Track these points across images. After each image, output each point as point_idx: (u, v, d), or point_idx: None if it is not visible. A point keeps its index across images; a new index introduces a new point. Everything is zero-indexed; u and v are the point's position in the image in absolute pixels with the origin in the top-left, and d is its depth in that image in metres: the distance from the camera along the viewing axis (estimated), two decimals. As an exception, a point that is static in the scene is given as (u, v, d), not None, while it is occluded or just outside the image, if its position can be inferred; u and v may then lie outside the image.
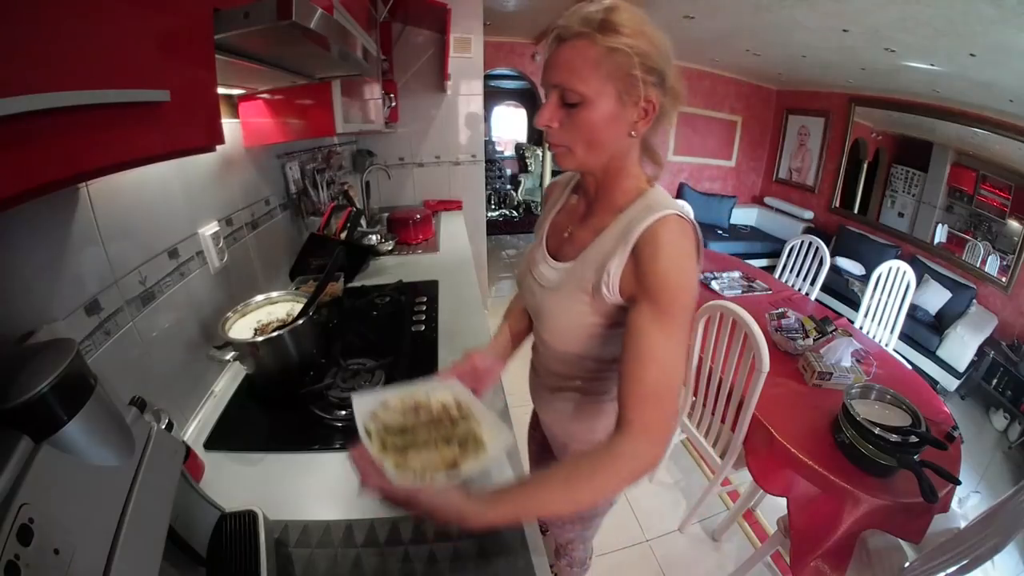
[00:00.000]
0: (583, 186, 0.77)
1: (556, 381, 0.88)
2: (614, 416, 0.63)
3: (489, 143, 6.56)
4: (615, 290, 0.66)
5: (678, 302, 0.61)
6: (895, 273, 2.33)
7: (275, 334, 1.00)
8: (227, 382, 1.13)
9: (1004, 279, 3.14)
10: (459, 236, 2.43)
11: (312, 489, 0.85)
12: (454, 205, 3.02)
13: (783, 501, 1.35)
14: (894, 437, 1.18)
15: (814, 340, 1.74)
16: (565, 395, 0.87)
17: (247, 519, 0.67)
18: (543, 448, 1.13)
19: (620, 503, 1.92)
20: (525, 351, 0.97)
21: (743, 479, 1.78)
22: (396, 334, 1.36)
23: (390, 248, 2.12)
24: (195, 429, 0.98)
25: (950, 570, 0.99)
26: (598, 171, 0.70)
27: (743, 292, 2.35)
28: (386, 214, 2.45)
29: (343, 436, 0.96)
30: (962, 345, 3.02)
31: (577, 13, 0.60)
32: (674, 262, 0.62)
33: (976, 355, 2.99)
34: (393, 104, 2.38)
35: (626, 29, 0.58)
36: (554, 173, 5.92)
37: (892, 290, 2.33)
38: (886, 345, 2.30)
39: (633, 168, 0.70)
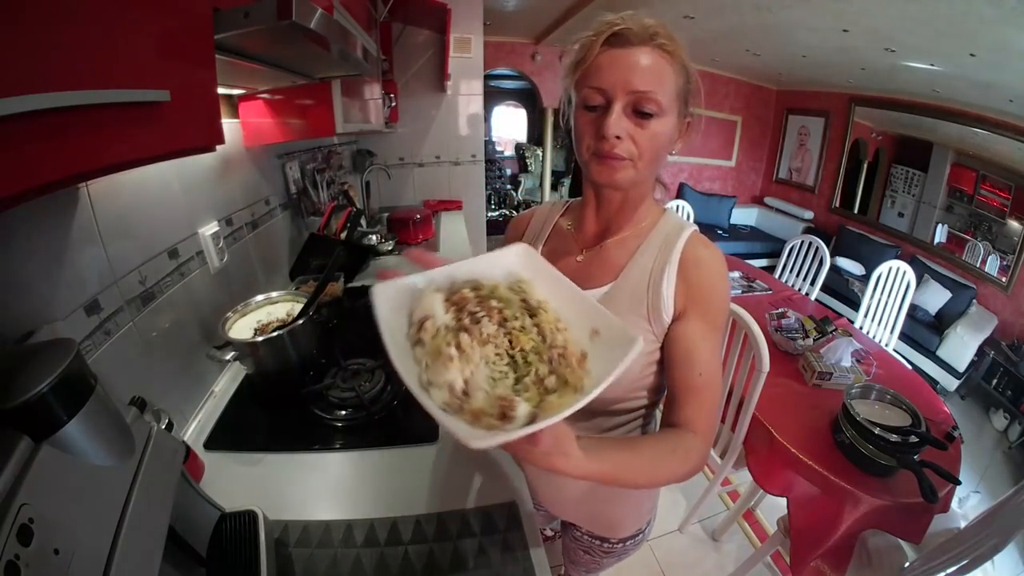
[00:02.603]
0: (600, 204, 0.68)
1: None
2: None
3: (489, 143, 6.54)
4: (670, 310, 0.62)
5: (723, 316, 0.63)
6: (895, 273, 2.33)
7: (275, 334, 1.00)
8: (227, 382, 1.13)
9: (1004, 279, 3.14)
10: (459, 236, 2.43)
11: (312, 489, 0.85)
12: (454, 205, 3.02)
13: (783, 501, 1.35)
14: (894, 437, 1.18)
15: (814, 340, 1.74)
16: None
17: (247, 519, 0.67)
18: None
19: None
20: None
21: (743, 479, 1.78)
22: (396, 334, 1.35)
23: (390, 248, 2.12)
24: (195, 429, 0.98)
25: (950, 570, 0.99)
26: (634, 187, 0.63)
27: (743, 292, 2.35)
28: (386, 214, 2.45)
29: (343, 436, 0.96)
30: (962, 345, 3.02)
31: (637, 20, 0.55)
32: (721, 280, 0.63)
33: (976, 355, 2.99)
34: (393, 104, 2.38)
35: (683, 48, 0.56)
36: (555, 174, 5.90)
37: (892, 290, 2.34)
38: (886, 345, 2.30)
39: (651, 187, 0.67)
